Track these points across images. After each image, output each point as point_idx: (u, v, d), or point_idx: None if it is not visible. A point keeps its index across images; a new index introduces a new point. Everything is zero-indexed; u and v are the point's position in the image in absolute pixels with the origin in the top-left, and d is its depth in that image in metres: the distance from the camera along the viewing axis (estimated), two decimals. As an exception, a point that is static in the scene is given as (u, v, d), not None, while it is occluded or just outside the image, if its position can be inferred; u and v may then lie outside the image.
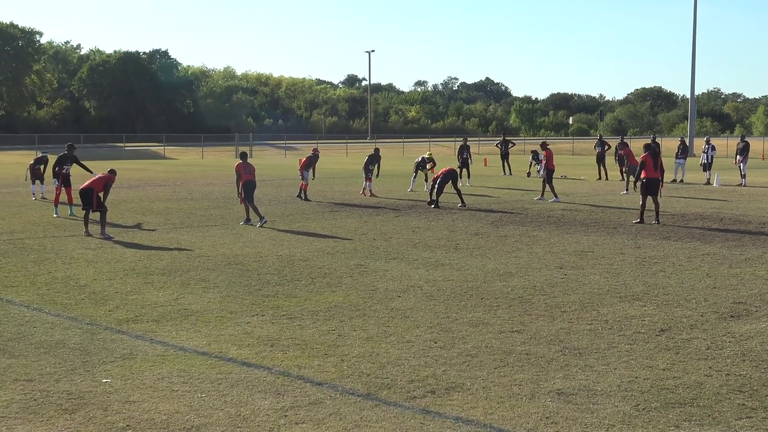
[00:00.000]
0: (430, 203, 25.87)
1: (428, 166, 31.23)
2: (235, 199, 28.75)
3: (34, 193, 28.92)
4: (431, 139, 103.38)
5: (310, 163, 30.21)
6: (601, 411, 7.38)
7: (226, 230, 20.12)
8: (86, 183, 19.59)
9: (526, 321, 10.77)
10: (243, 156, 22.39)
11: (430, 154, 33.14)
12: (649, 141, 24.00)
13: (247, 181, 21.35)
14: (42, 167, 29.24)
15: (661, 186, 22.21)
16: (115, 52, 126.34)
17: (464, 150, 37.98)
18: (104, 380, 8.28)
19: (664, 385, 8.11)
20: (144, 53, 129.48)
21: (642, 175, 21.90)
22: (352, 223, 21.54)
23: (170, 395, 7.83)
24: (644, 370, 8.61)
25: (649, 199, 21.96)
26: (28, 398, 7.75)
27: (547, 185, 29.00)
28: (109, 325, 10.59)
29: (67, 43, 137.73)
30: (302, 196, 28.98)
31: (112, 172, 19.68)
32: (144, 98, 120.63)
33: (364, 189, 31.07)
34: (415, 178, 34.42)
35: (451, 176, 25.81)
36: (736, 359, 9.02)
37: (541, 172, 42.99)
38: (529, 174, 43.65)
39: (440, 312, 11.28)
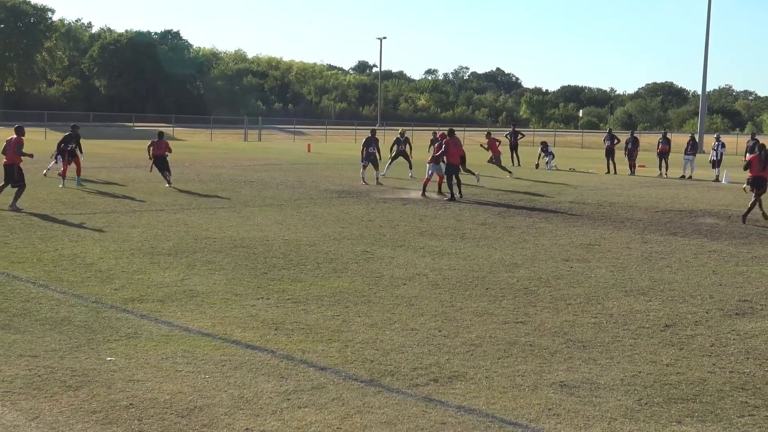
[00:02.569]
0: (449, 198, 25.44)
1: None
2: (244, 183, 28.81)
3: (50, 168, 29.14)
4: (441, 128, 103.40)
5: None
6: (604, 404, 7.38)
7: (233, 213, 20.15)
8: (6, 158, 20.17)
9: (531, 312, 10.77)
10: (159, 135, 27.71)
11: (403, 131, 33.28)
12: (759, 141, 24.24)
13: (156, 156, 27.03)
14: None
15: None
16: (126, 31, 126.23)
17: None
18: (108, 358, 8.31)
19: (667, 380, 8.11)
20: (155, 33, 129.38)
21: (749, 174, 22.46)
22: (359, 210, 21.55)
23: (174, 375, 7.85)
24: (648, 364, 8.61)
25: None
26: (32, 374, 7.78)
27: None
28: (114, 303, 10.62)
29: (78, 21, 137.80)
30: (443, 190, 26.28)
31: (19, 131, 20.48)
32: (154, 78, 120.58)
33: (364, 177, 30.24)
34: (391, 163, 34.34)
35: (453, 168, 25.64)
36: (740, 357, 9.01)
37: (551, 164, 43.09)
38: (537, 165, 43.62)
39: (445, 301, 11.29)
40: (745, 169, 23.00)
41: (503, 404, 7.33)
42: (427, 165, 26.43)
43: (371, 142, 30.65)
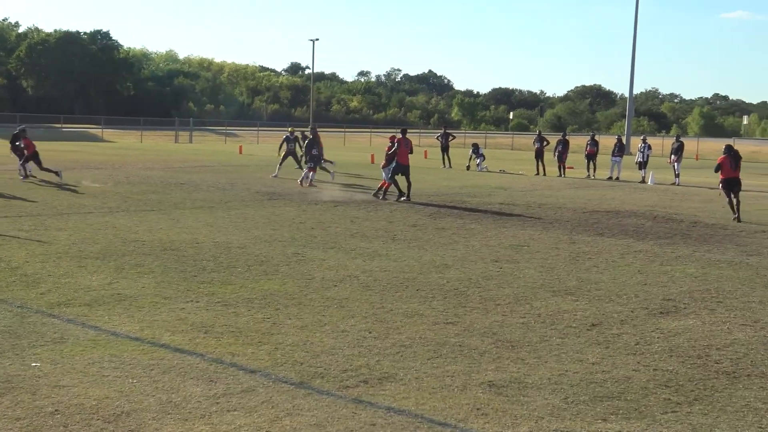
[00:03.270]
0: (399, 197, 25.49)
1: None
2: (174, 185, 28.50)
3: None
4: (373, 130, 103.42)
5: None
6: (531, 403, 7.46)
7: (163, 215, 19.92)
8: None
9: (461, 313, 10.84)
10: (23, 131, 29.49)
11: (292, 130, 33.21)
12: (730, 143, 25.16)
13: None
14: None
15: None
16: (55, 31, 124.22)
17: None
18: (33, 364, 8.15)
19: (593, 378, 8.23)
20: (85, 33, 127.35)
21: (721, 176, 23.67)
22: (290, 212, 21.47)
23: (101, 380, 7.73)
24: (574, 363, 8.72)
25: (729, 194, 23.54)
26: (-46, 381, 7.59)
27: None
28: (40, 308, 10.42)
29: (5, 20, 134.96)
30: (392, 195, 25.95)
31: None
32: (83, 79, 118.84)
33: (305, 179, 29.96)
34: (281, 164, 34.41)
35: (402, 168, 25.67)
36: (663, 355, 9.18)
37: (481, 166, 43.41)
38: (468, 167, 43.93)
39: (376, 302, 11.30)
40: (716, 171, 23.69)
41: (432, 405, 7.36)
42: (383, 169, 26.32)
43: (314, 143, 30.35)
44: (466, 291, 12.22)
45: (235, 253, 14.86)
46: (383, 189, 25.94)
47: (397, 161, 25.63)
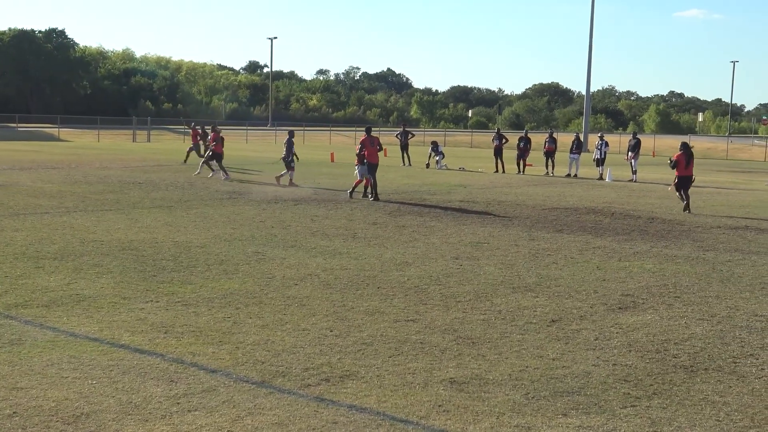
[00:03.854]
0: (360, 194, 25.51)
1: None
2: (132, 184, 28.26)
3: None
4: (332, 128, 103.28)
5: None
6: (492, 399, 7.49)
7: (122, 215, 19.75)
8: None
9: (422, 310, 10.86)
10: None
11: (212, 128, 34.18)
12: (686, 141, 25.87)
13: None
14: None
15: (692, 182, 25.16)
16: (9, 29, 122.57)
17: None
18: (-10, 366, 8.05)
19: (553, 374, 8.28)
20: (40, 32, 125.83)
21: (676, 173, 24.80)
22: (250, 211, 21.39)
23: (59, 382, 7.65)
24: (535, 359, 8.77)
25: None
26: None
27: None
28: (-4, 309, 10.28)
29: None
30: (370, 194, 25.76)
31: None
32: (39, 78, 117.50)
33: (283, 176, 29.82)
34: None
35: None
36: (622, 350, 9.26)
37: (441, 164, 43.51)
38: (428, 165, 44.02)
39: (336, 300, 11.30)
40: (673, 167, 24.50)
41: (394, 402, 7.37)
42: (356, 167, 26.23)
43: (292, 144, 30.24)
44: (427, 288, 12.25)
45: (195, 252, 14.78)
46: (356, 186, 25.93)
47: (368, 161, 25.55)
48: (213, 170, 32.46)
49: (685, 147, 24.62)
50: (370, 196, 25.33)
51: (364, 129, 27.04)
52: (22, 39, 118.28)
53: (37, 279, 12.12)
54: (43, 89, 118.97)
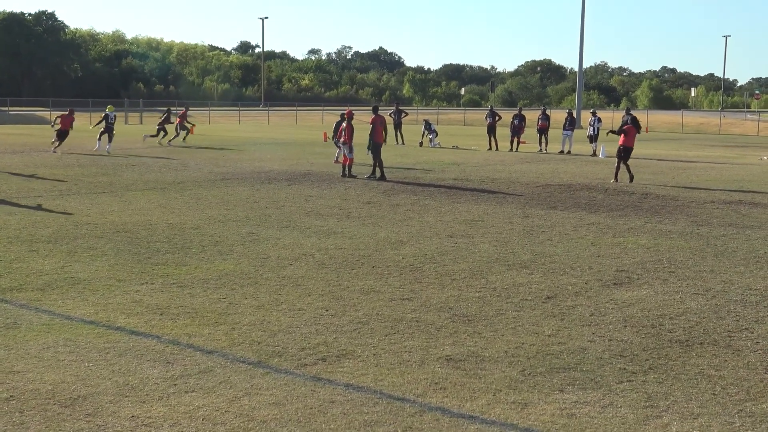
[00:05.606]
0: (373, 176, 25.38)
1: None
2: (125, 166, 28.17)
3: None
4: (324, 108, 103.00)
5: (352, 131, 26.25)
6: (489, 376, 7.51)
7: (115, 197, 19.71)
8: None
9: (417, 289, 10.87)
10: None
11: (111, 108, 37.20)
12: (625, 113, 26.78)
13: None
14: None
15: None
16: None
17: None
18: (-14, 350, 8.04)
19: (549, 350, 8.30)
20: (30, 14, 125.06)
21: (620, 142, 25.55)
22: (244, 191, 21.35)
23: (56, 365, 7.65)
24: (530, 336, 8.79)
25: (622, 163, 25.60)
26: None
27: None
28: (-9, 293, 10.27)
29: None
30: (347, 172, 25.78)
31: None
32: (30, 61, 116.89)
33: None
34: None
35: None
36: (618, 325, 9.28)
37: (434, 142, 43.47)
38: (421, 144, 43.98)
39: (332, 280, 11.30)
40: (618, 134, 25.70)
41: (391, 380, 7.38)
42: (341, 145, 26.08)
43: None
44: (422, 267, 12.26)
45: (189, 234, 14.75)
46: (348, 166, 25.70)
47: (374, 140, 25.47)
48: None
49: (634, 119, 26.02)
50: (349, 175, 25.27)
51: (372, 107, 26.87)
52: (12, 22, 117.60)
53: (31, 263, 12.09)
54: (34, 72, 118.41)
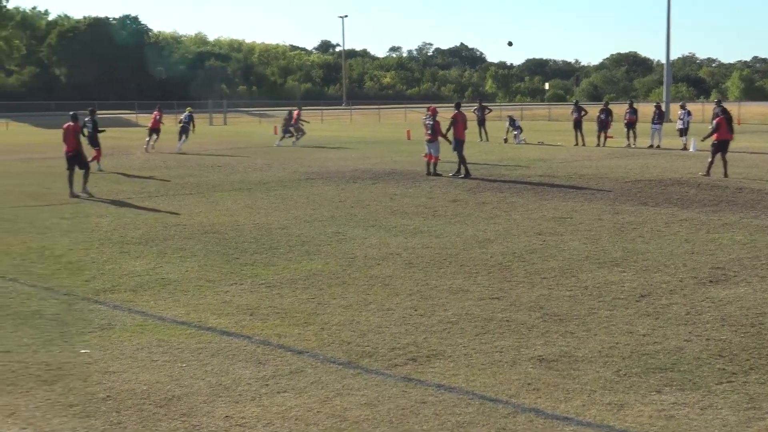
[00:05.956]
0: (459, 173, 25.28)
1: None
2: (211, 167, 28.61)
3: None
4: (407, 106, 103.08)
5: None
6: (583, 377, 7.43)
7: (202, 198, 20.04)
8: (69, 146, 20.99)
9: (506, 288, 10.82)
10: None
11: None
12: (716, 104, 26.58)
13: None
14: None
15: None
16: (84, 17, 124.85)
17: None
18: (83, 351, 8.25)
19: (644, 350, 8.18)
20: (113, 19, 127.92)
21: (715, 137, 25.25)
22: (329, 191, 21.51)
23: (150, 365, 7.81)
24: (624, 335, 8.68)
25: (718, 156, 25.16)
26: (5, 369, 7.71)
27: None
28: (86, 295, 10.54)
29: (34, 8, 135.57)
30: (432, 170, 25.68)
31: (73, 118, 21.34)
32: (115, 65, 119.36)
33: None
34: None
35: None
36: (715, 324, 9.10)
37: (519, 138, 43.19)
38: (506, 140, 43.69)
39: (420, 279, 11.31)
40: (715, 131, 24.99)
41: (483, 381, 7.36)
42: (427, 143, 25.99)
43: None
44: (511, 265, 12.20)
45: (276, 234, 14.93)
46: (433, 164, 25.64)
47: (457, 137, 25.37)
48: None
49: (725, 110, 25.33)
50: (433, 173, 25.20)
51: (455, 103, 26.81)
52: (97, 27, 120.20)
53: (123, 264, 12.38)
54: (119, 76, 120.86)
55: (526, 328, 8.98)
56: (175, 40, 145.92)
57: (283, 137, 42.42)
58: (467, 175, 24.94)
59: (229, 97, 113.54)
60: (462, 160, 25.23)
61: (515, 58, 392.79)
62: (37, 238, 14.64)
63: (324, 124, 78.97)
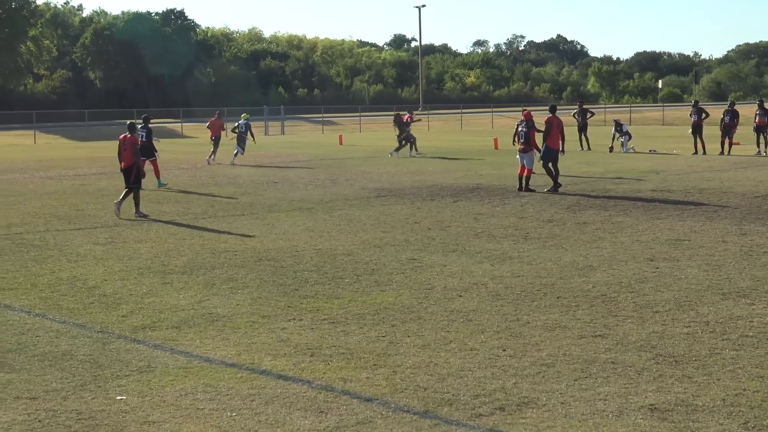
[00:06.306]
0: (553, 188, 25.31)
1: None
2: (266, 184, 28.91)
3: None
4: (494, 110, 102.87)
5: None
6: (703, 429, 7.33)
7: (256, 220, 20.26)
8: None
9: (611, 323, 10.73)
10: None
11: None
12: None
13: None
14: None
15: None
16: (123, 13, 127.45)
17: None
18: (119, 397, 8.38)
19: (777, 398, 8.05)
20: (156, 14, 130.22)
21: None
22: (402, 210, 21.58)
23: (195, 414, 7.91)
24: (754, 380, 8.54)
25: None
26: (32, 419, 7.86)
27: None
28: (122, 333, 10.71)
29: (66, 4, 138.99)
30: (524, 185, 25.72)
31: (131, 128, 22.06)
32: (157, 67, 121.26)
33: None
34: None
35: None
36: None
37: (626, 146, 42.83)
38: (611, 148, 43.40)
39: (508, 314, 11.28)
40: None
41: (583, 434, 7.31)
42: (520, 153, 25.77)
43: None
44: (617, 297, 12.09)
45: (340, 261, 15.02)
46: (526, 178, 25.51)
47: (549, 146, 25.25)
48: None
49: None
50: (525, 188, 25.10)
51: (550, 106, 26.71)
52: (138, 23, 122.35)
53: (165, 297, 12.56)
54: (162, 79, 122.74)
55: (634, 371, 8.89)
56: (226, 38, 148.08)
57: (401, 147, 42.17)
58: (556, 187, 24.85)
59: (288, 102, 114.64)
60: (551, 173, 25.12)
61: (622, 51, 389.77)
62: (68, 266, 14.94)
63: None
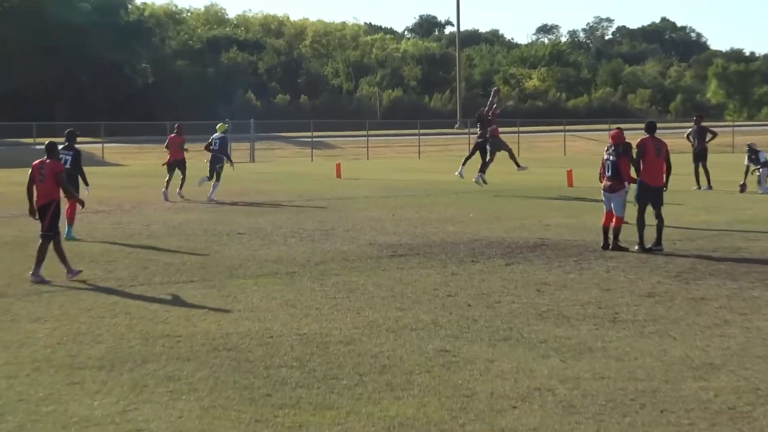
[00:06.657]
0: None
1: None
2: (227, 235, 28.86)
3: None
4: (567, 127, 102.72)
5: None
6: None
7: (211, 290, 20.18)
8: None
9: (745, 454, 10.66)
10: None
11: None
12: None
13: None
14: None
15: None
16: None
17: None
18: None
19: None
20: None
21: None
22: (430, 276, 21.51)
23: None
24: None
25: None
26: None
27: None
28: (5, 461, 10.61)
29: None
30: (611, 241, 25.91)
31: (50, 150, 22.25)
32: (71, 63, 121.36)
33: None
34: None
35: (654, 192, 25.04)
36: None
37: (766, 183, 42.69)
38: (743, 186, 43.24)
39: (588, 436, 11.19)
40: None
41: None
42: (611, 195, 25.55)
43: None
44: (752, 411, 12.01)
45: (336, 352, 14.94)
46: (615, 230, 25.29)
47: (643, 181, 24.96)
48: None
49: None
50: (614, 245, 25.03)
51: (646, 124, 26.49)
52: (44, 3, 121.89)
53: (70, 404, 12.45)
54: (78, 79, 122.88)
55: None
56: (172, 18, 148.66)
57: (488, 162, 44.12)
58: (658, 245, 24.74)
59: (260, 112, 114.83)
60: (642, 224, 24.94)
61: (758, 44, 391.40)
62: (-71, 357, 14.86)
63: (424, 160, 79.40)
